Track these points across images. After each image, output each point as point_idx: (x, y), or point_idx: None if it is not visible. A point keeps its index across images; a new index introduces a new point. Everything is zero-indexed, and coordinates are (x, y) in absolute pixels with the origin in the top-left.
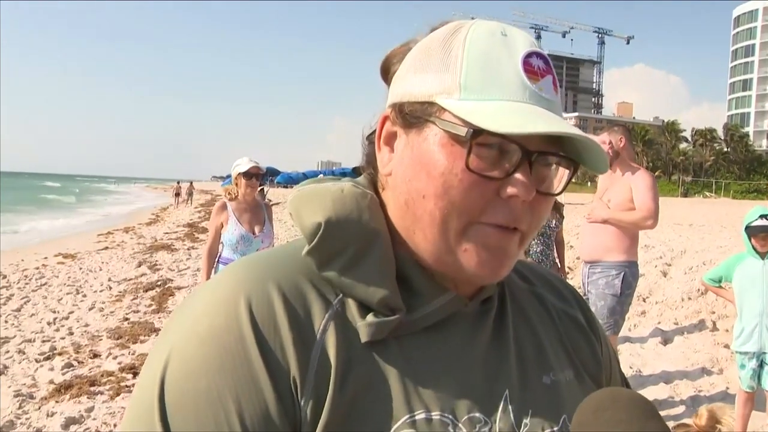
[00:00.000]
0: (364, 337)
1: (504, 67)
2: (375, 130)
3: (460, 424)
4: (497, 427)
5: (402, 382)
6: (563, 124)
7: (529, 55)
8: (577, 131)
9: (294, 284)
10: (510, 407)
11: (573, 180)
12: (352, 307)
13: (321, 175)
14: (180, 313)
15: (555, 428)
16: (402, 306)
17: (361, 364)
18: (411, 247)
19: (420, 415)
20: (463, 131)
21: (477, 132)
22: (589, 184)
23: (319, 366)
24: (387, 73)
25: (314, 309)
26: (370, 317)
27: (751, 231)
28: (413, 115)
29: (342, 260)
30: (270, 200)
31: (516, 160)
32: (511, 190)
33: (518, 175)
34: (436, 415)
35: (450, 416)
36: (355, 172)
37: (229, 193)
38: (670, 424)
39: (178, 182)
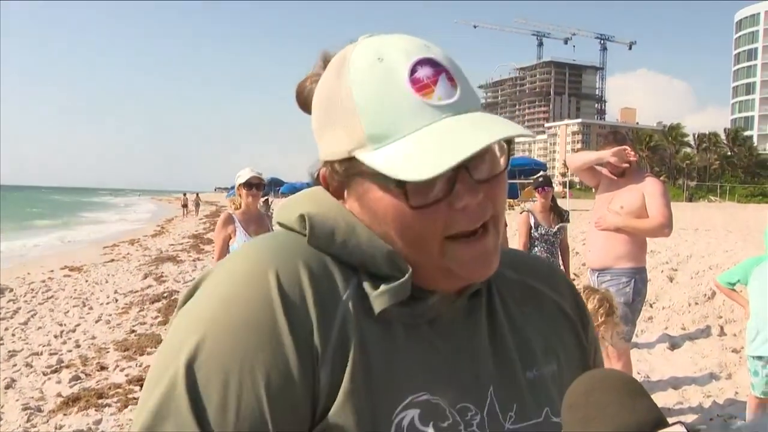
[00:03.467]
0: (379, 306)
1: (395, 99)
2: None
3: (454, 411)
4: (486, 417)
5: (406, 366)
6: (476, 136)
7: (412, 71)
8: (488, 138)
9: (320, 262)
10: (495, 401)
11: (577, 186)
12: (367, 285)
13: None
14: (205, 282)
15: (538, 420)
16: (407, 266)
17: (374, 345)
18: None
19: (423, 397)
20: (391, 181)
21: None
22: (593, 189)
23: (338, 340)
24: (301, 102)
25: (336, 287)
26: (382, 286)
27: None
28: (345, 173)
29: (340, 233)
30: (274, 210)
31: (452, 177)
32: (461, 202)
33: (460, 186)
34: (435, 399)
35: (445, 402)
36: None
37: (234, 203)
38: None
39: (185, 194)
